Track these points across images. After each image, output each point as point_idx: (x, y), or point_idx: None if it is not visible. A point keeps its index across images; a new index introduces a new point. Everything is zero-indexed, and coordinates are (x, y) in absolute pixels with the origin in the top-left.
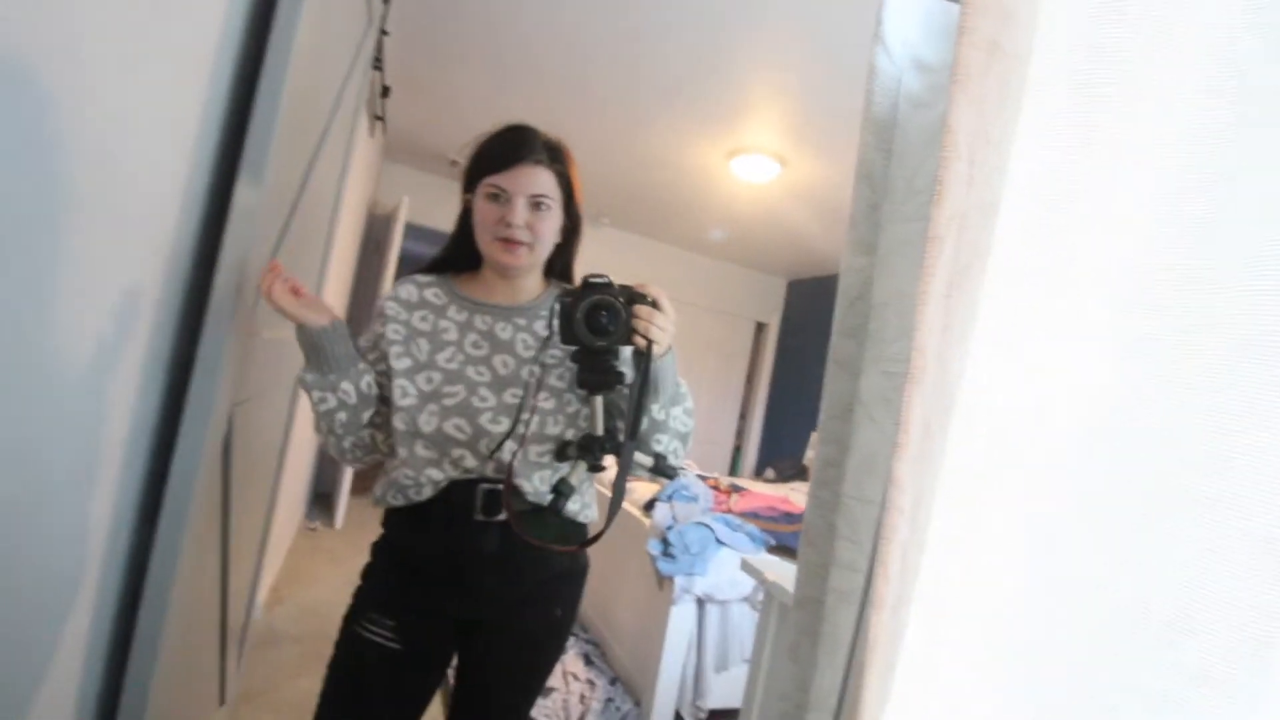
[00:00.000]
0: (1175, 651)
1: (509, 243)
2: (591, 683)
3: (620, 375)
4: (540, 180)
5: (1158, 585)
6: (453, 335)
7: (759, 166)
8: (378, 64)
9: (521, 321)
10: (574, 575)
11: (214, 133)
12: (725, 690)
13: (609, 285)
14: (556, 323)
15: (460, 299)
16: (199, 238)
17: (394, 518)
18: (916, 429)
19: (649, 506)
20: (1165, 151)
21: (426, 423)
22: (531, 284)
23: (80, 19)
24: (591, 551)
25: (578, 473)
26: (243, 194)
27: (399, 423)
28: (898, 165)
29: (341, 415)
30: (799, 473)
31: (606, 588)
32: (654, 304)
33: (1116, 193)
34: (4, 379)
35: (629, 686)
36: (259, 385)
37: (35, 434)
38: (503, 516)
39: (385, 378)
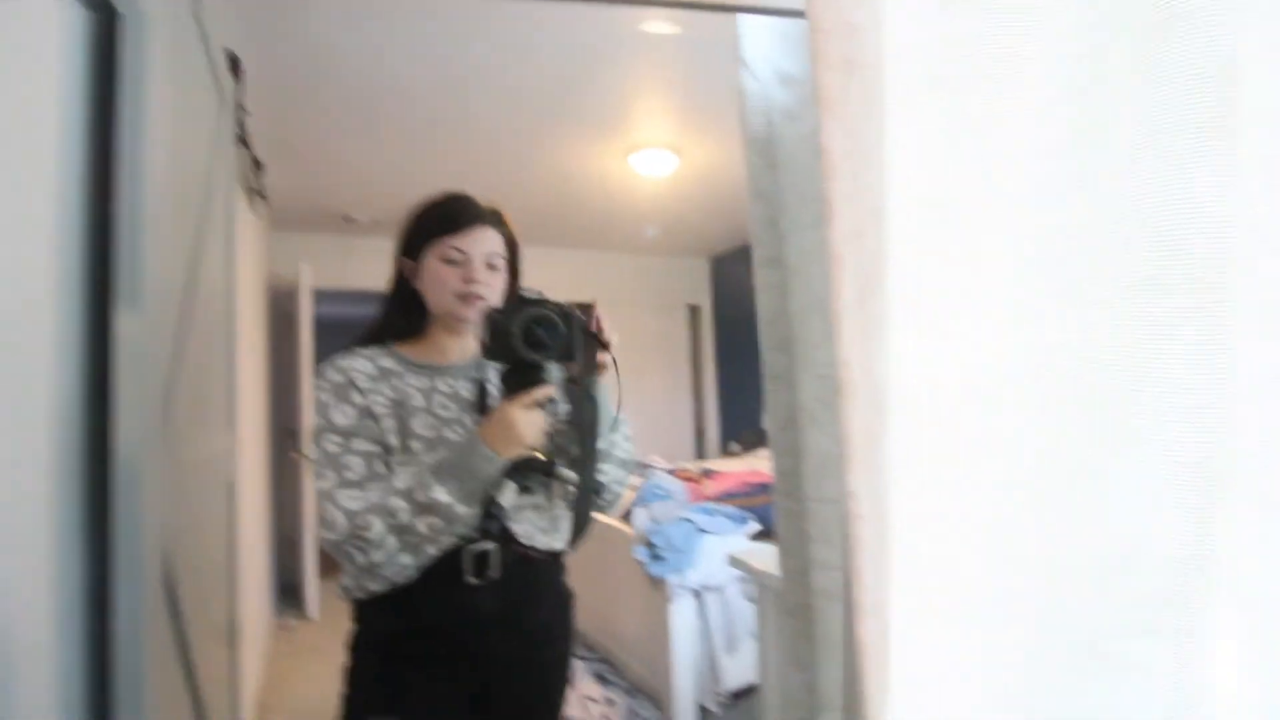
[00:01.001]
0: (1123, 593)
1: (470, 298)
2: (611, 700)
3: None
4: (491, 241)
5: (1102, 532)
6: (419, 401)
7: (657, 159)
8: (242, 141)
9: (477, 376)
10: (564, 611)
11: (75, 263)
12: (740, 669)
13: (543, 300)
14: (485, 337)
15: (414, 366)
16: (86, 379)
17: (373, 607)
18: (859, 439)
19: (627, 515)
20: (1025, 125)
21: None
22: (474, 340)
23: None
24: (583, 572)
25: (506, 494)
26: (123, 323)
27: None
28: (786, 177)
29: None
30: (762, 440)
31: (605, 604)
32: (597, 327)
33: (991, 169)
34: None
35: (648, 693)
36: (192, 508)
37: None
38: (494, 574)
39: (381, 452)
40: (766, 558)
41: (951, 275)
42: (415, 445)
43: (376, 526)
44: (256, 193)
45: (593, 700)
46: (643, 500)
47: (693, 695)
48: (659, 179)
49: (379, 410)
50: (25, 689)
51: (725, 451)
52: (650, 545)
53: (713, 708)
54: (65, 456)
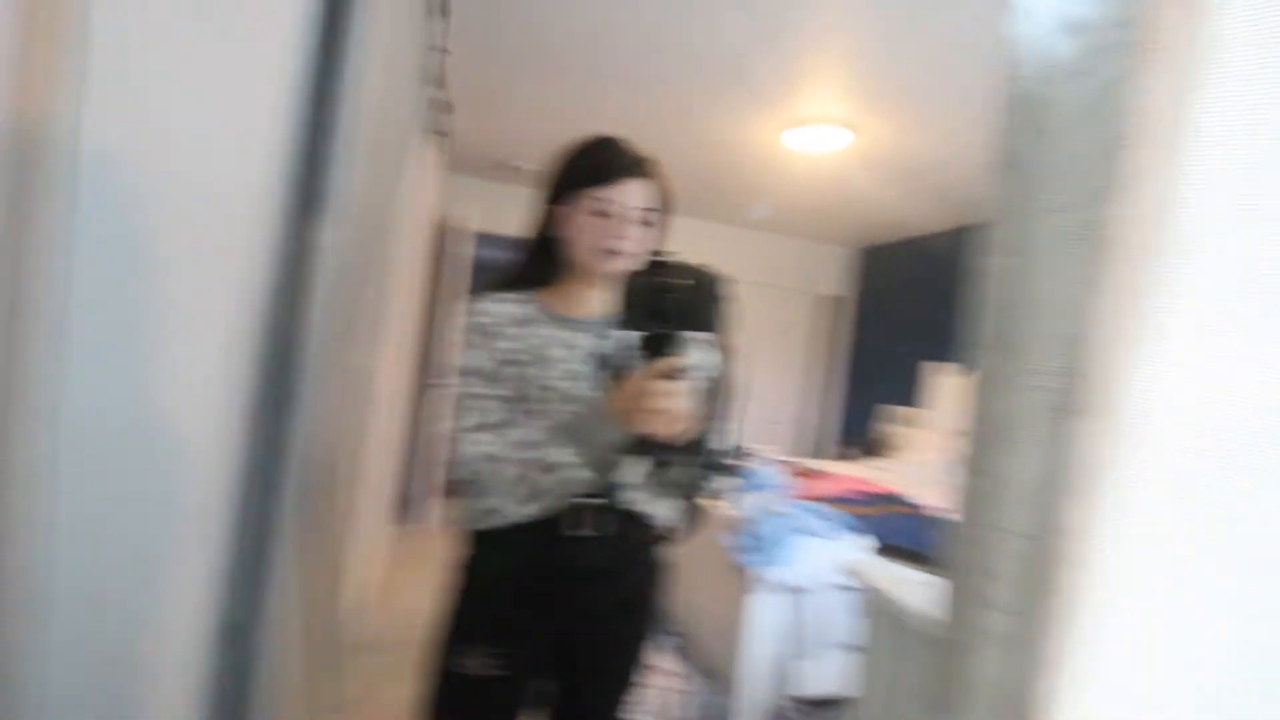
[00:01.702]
0: None
1: (614, 254)
2: (683, 677)
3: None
4: (642, 194)
5: None
6: (558, 353)
7: (828, 135)
8: (440, 82)
9: (611, 335)
10: (659, 581)
11: (291, 171)
12: (822, 677)
13: (679, 265)
14: (624, 303)
15: (554, 317)
16: (285, 279)
17: (482, 539)
18: (1085, 467)
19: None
20: None
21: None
22: (613, 295)
23: (163, 102)
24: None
25: (634, 471)
26: (328, 230)
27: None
28: (1055, 146)
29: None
30: (874, 448)
31: (691, 583)
32: (716, 291)
33: None
34: (145, 437)
35: (717, 679)
36: (342, 408)
37: (168, 473)
38: (590, 531)
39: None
40: (884, 573)
41: (1262, 282)
42: (551, 397)
43: (503, 473)
44: (443, 134)
45: (667, 673)
46: (744, 487)
47: (763, 691)
48: (823, 156)
49: (520, 357)
50: (208, 530)
51: (840, 454)
52: (744, 534)
53: (787, 710)
54: (259, 345)
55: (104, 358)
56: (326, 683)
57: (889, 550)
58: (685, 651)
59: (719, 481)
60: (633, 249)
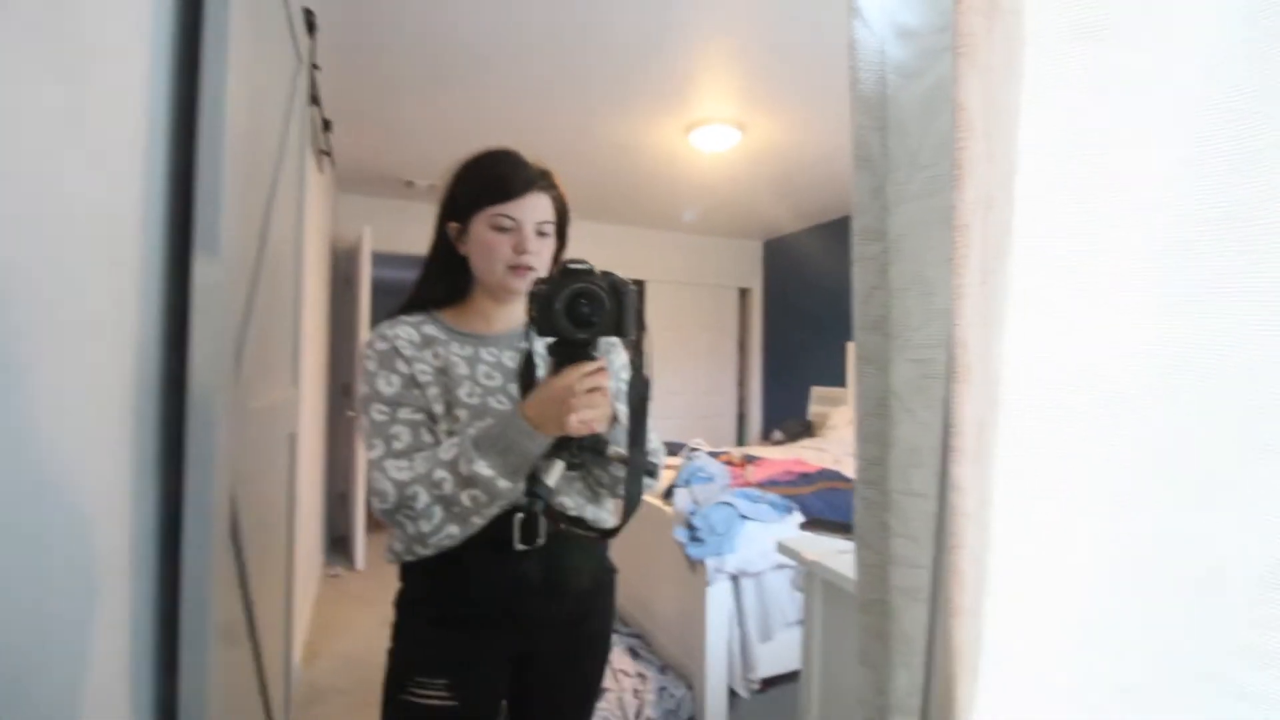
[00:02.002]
0: (1269, 607)
1: (520, 269)
2: (642, 675)
3: (593, 358)
4: (543, 207)
5: (1244, 539)
6: (464, 370)
7: (719, 135)
8: (314, 100)
9: (524, 345)
10: (606, 586)
11: (158, 211)
12: (773, 658)
13: (590, 271)
14: (532, 309)
15: (458, 334)
16: (164, 324)
17: (421, 569)
18: (970, 428)
19: (668, 494)
20: (1186, 84)
21: (465, 462)
22: (520, 309)
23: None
24: (622, 547)
25: (553, 473)
26: (201, 271)
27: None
28: (896, 142)
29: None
30: (805, 430)
31: (642, 580)
32: (624, 293)
33: (1138, 137)
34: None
35: (679, 672)
36: (257, 455)
37: (36, 563)
38: (540, 541)
39: (428, 421)
40: (817, 548)
41: (1087, 253)
42: (461, 414)
43: (423, 498)
44: (325, 153)
45: (625, 674)
46: (685, 481)
47: (723, 678)
48: (718, 154)
49: (423, 379)
50: (103, 611)
51: (766, 438)
52: (691, 527)
53: (742, 693)
54: (143, 397)
55: None
56: None
57: (815, 524)
58: (642, 649)
59: (639, 478)
60: (534, 262)
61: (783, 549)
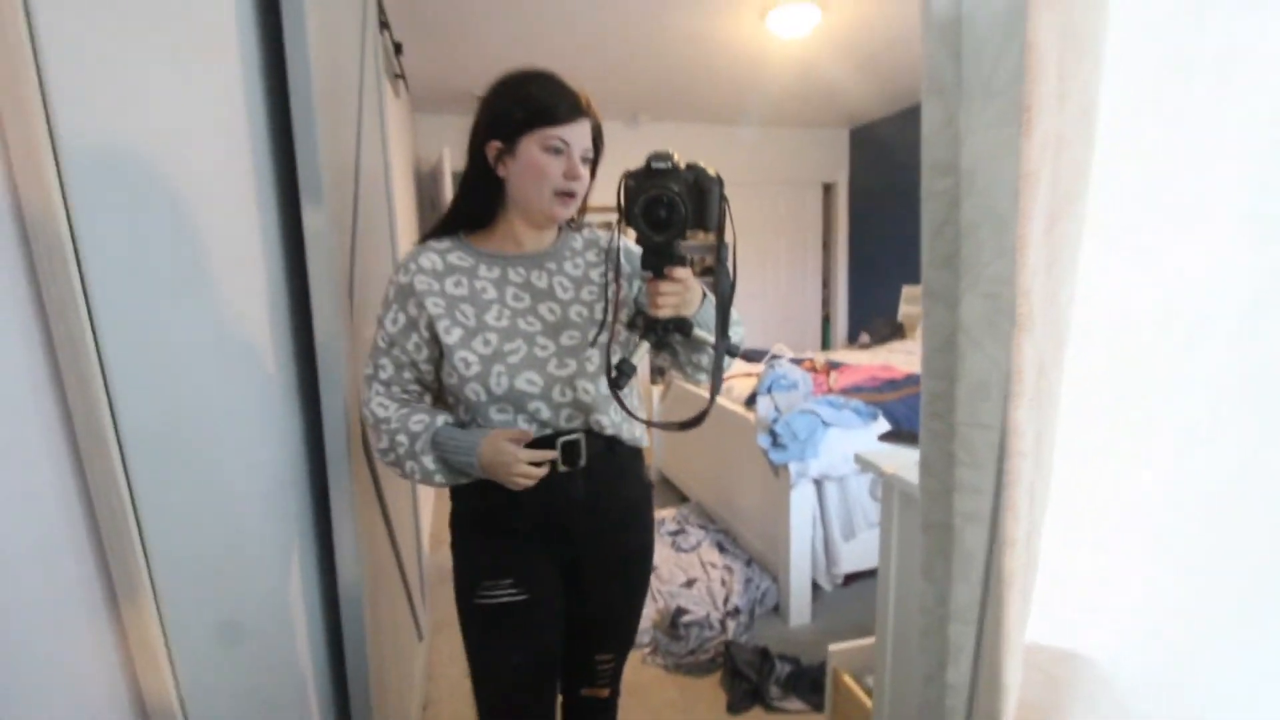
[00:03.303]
0: None
1: (568, 196)
2: (729, 568)
3: (682, 259)
4: (588, 136)
5: None
6: (492, 294)
7: (797, 17)
8: (384, 24)
9: (552, 266)
10: (644, 501)
11: (266, 159)
12: (857, 555)
13: (672, 170)
14: (620, 201)
15: (486, 256)
16: (286, 266)
17: (472, 488)
18: (1030, 373)
19: (750, 402)
20: None
21: (498, 384)
22: (551, 231)
23: (143, 103)
24: (707, 454)
25: (639, 352)
26: (310, 218)
27: (470, 394)
28: (970, 69)
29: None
30: (895, 332)
31: (727, 481)
32: (720, 189)
33: (1234, 53)
34: (206, 442)
35: (764, 565)
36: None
37: (232, 482)
38: (583, 463)
39: (432, 357)
40: (895, 460)
41: (1172, 189)
42: (491, 338)
43: (384, 440)
44: (399, 76)
45: (713, 565)
46: (766, 389)
47: (807, 573)
48: (797, 40)
49: (434, 310)
50: (277, 511)
51: (853, 342)
52: (773, 434)
53: (826, 586)
54: (279, 336)
55: (147, 369)
56: (421, 610)
57: (894, 435)
58: (728, 544)
59: (721, 369)
60: (581, 191)
61: (860, 461)
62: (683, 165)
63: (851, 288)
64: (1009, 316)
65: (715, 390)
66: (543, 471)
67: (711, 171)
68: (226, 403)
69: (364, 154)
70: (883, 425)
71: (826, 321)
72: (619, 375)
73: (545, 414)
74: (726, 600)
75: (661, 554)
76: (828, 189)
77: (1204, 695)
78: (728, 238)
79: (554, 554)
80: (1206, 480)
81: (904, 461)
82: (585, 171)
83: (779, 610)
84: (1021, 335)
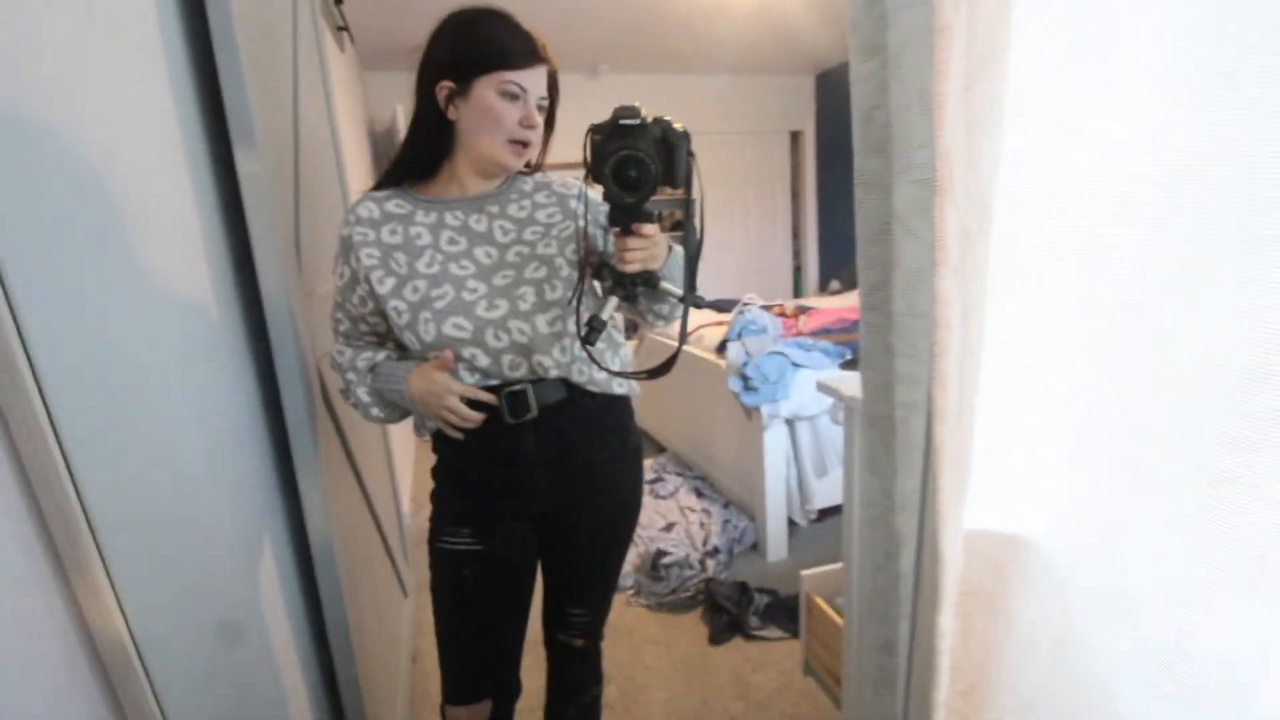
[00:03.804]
0: (1255, 398)
1: (521, 145)
2: (707, 511)
3: (650, 215)
4: (544, 82)
5: (1234, 332)
6: (426, 239)
7: None
8: None
9: (494, 209)
10: (627, 456)
11: (191, 104)
12: (829, 491)
13: (641, 126)
14: (586, 157)
15: (424, 202)
16: (223, 219)
17: (439, 440)
18: (954, 241)
19: (721, 349)
20: None
21: (425, 331)
22: (498, 176)
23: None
24: (680, 401)
25: (608, 307)
26: (244, 161)
27: (408, 343)
28: None
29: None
30: (855, 279)
31: (702, 428)
32: (688, 144)
33: None
34: (140, 395)
35: (741, 506)
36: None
37: (176, 437)
38: (532, 414)
39: (379, 309)
40: (856, 385)
41: (1095, 48)
42: (420, 285)
43: (341, 382)
44: (342, 28)
45: (690, 510)
46: (736, 335)
47: (783, 511)
48: None
49: (368, 261)
50: (235, 463)
51: (824, 289)
52: (744, 377)
53: (801, 522)
54: (221, 287)
55: (65, 323)
56: (404, 568)
57: (854, 364)
58: (705, 488)
59: (685, 322)
60: (536, 140)
61: (822, 387)
62: (649, 119)
63: (822, 236)
64: (935, 196)
65: (683, 340)
66: (479, 416)
67: (679, 126)
68: (162, 354)
69: (303, 103)
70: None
71: (798, 270)
72: (590, 332)
73: (483, 361)
74: (705, 541)
75: (643, 475)
76: (795, 137)
77: (1134, 570)
78: (695, 193)
79: (520, 507)
80: (1131, 357)
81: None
82: (541, 120)
83: (757, 548)
84: (944, 200)
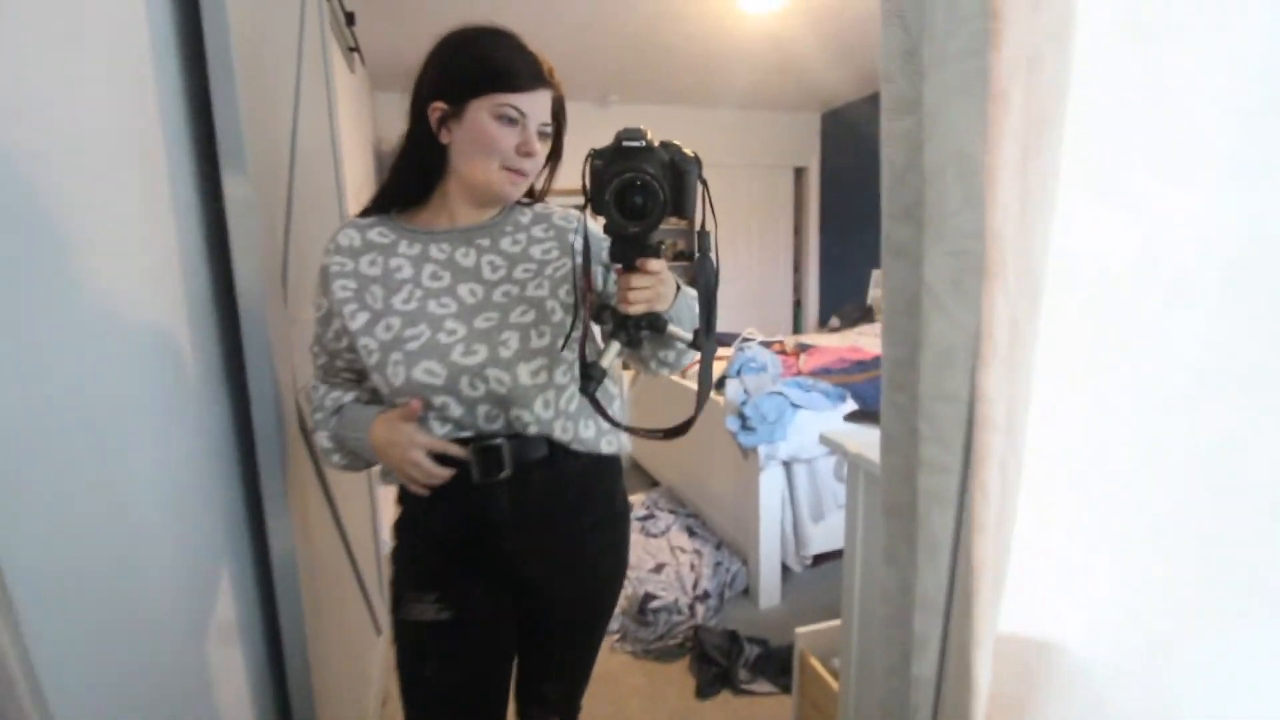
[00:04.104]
0: None
1: (518, 174)
2: (698, 552)
3: (656, 249)
4: (547, 107)
5: None
6: (407, 272)
7: None
8: None
9: (484, 242)
10: (613, 521)
11: (182, 132)
12: (825, 536)
13: (646, 149)
14: (585, 184)
15: (410, 232)
16: (206, 244)
17: (405, 492)
18: (1002, 331)
19: (719, 385)
20: None
21: (394, 374)
22: (494, 208)
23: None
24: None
25: (609, 354)
26: (232, 187)
27: (375, 384)
28: None
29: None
30: (864, 315)
31: (696, 465)
32: (698, 170)
33: None
34: (88, 435)
35: (733, 549)
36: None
37: (127, 476)
38: (506, 473)
39: (352, 346)
40: (860, 439)
41: (1156, 121)
42: (394, 323)
43: (310, 421)
44: (353, 49)
45: (682, 550)
46: (736, 372)
47: (776, 556)
48: (767, 15)
49: (342, 295)
50: (199, 503)
51: (824, 326)
52: (742, 416)
53: (795, 568)
54: (199, 320)
55: (9, 370)
56: (379, 606)
57: (860, 415)
58: (697, 528)
59: (709, 372)
60: (534, 170)
61: (825, 440)
62: (656, 143)
63: (823, 272)
64: (976, 275)
65: (704, 396)
66: (446, 472)
67: (688, 151)
68: (118, 385)
69: (304, 125)
70: (850, 406)
71: (798, 306)
72: (587, 380)
73: (455, 410)
74: (696, 585)
75: (630, 539)
76: (799, 173)
77: (1181, 683)
78: (708, 224)
79: (494, 571)
80: (1188, 453)
81: (869, 440)
82: (541, 148)
83: (748, 593)
84: (993, 285)
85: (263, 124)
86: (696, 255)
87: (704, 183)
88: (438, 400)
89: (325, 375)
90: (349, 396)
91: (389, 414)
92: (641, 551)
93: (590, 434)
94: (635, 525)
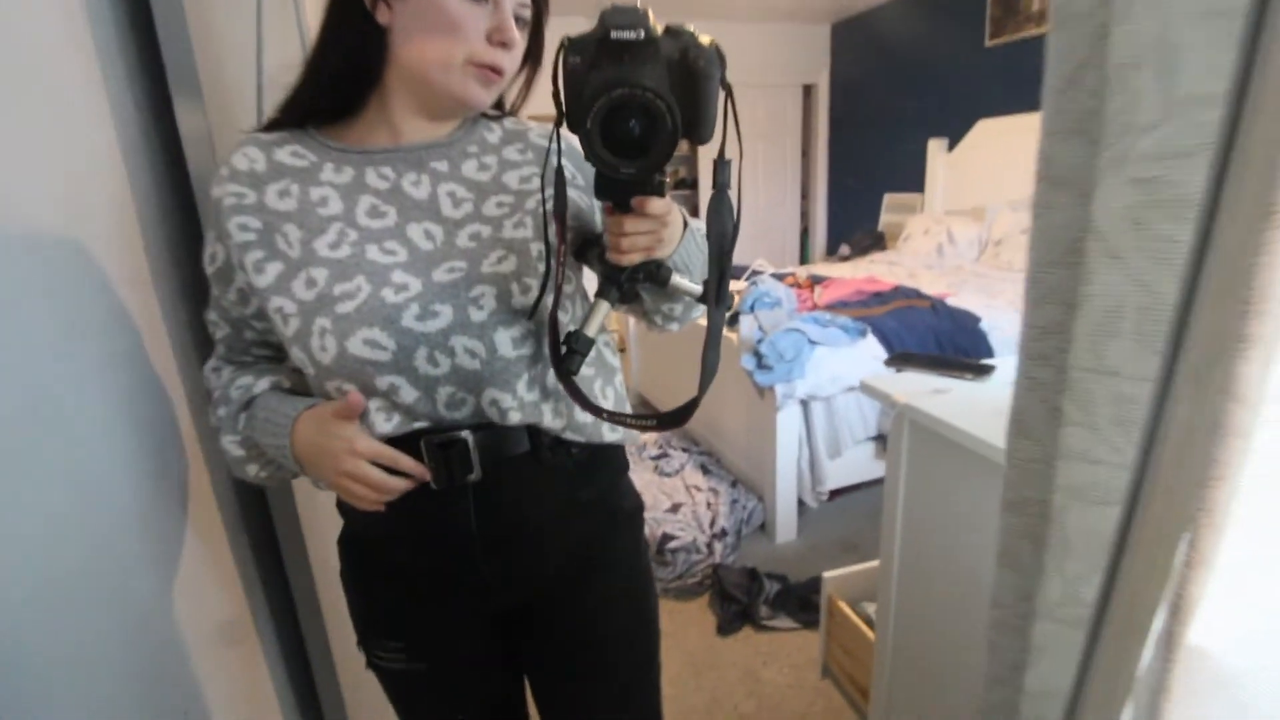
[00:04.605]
0: None
1: (491, 71)
2: (714, 490)
3: (660, 186)
4: None
5: None
6: (335, 207)
7: None
8: None
9: (441, 167)
10: (615, 528)
11: (121, 55)
12: (842, 471)
13: (647, 43)
14: (560, 89)
15: (337, 151)
16: (162, 191)
17: (343, 502)
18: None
19: (733, 321)
20: None
21: (321, 348)
22: (453, 120)
23: None
24: (688, 371)
25: (595, 321)
26: (185, 118)
27: (296, 361)
28: None
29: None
30: (876, 242)
31: (708, 402)
32: (722, 71)
33: None
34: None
35: (749, 485)
36: None
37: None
38: (474, 476)
39: (262, 311)
40: (905, 387)
41: None
42: (318, 276)
43: (212, 418)
44: None
45: (697, 489)
46: (749, 307)
47: (793, 492)
48: None
49: (241, 239)
50: (174, 505)
51: (832, 254)
52: (758, 354)
53: (811, 503)
54: (166, 294)
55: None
56: None
57: (900, 359)
58: (712, 465)
59: (718, 342)
60: (510, 65)
61: (868, 390)
62: (659, 31)
63: (831, 198)
64: (1169, 213)
65: (709, 374)
66: (401, 484)
67: (705, 41)
68: (70, 362)
69: (270, 38)
70: (871, 342)
71: (805, 234)
72: (568, 354)
73: (408, 395)
74: (713, 523)
75: (645, 479)
76: (807, 91)
77: None
78: (729, 150)
79: (471, 605)
80: None
81: (915, 390)
82: (520, 39)
83: (765, 529)
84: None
85: (220, 39)
86: (713, 191)
87: (728, 89)
88: (383, 382)
89: (229, 354)
90: (263, 384)
91: (317, 410)
92: (657, 491)
93: (589, 417)
94: (649, 465)
